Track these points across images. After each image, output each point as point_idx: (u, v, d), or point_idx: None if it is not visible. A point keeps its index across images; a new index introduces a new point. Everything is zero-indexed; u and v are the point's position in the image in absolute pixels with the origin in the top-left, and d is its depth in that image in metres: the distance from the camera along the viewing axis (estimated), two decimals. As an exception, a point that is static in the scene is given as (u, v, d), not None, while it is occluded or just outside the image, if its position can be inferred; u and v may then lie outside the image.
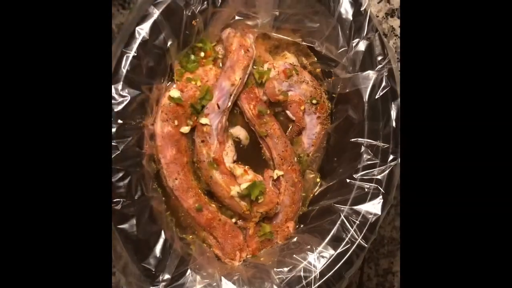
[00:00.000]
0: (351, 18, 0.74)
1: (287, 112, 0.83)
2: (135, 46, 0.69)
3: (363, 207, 0.74)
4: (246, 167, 0.80)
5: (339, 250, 0.73)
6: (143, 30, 0.69)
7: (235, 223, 0.82)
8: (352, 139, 0.77)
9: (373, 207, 0.74)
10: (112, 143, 0.67)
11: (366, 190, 0.75)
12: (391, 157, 0.75)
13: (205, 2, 0.72)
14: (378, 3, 0.96)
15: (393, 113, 0.74)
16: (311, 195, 0.85)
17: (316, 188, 0.85)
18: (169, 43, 0.71)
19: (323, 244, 0.74)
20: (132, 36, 0.69)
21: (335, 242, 0.74)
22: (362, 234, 0.73)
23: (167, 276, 0.69)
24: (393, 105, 0.74)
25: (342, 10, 0.75)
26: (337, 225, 0.75)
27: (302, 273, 0.72)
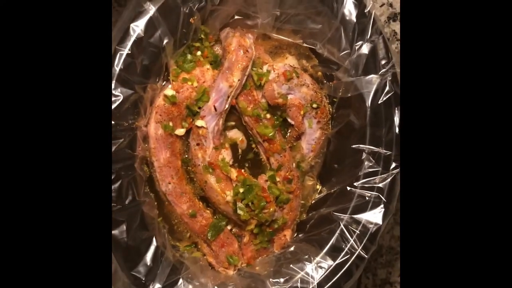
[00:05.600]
0: (355, 20, 0.73)
1: (286, 116, 0.81)
2: (129, 43, 0.67)
3: (363, 216, 0.73)
4: (243, 171, 0.78)
5: (338, 261, 0.71)
6: (138, 27, 0.67)
7: (230, 230, 0.80)
8: (353, 145, 0.76)
9: (374, 216, 0.72)
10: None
11: (367, 198, 0.73)
12: (393, 164, 0.73)
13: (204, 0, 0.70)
14: (381, 6, 0.95)
15: (397, 119, 0.73)
16: (310, 202, 0.83)
17: (316, 195, 0.83)
18: (165, 41, 0.69)
19: (322, 254, 0.73)
20: (126, 33, 0.67)
21: (334, 252, 0.72)
22: (362, 245, 0.72)
23: (157, 286, 0.67)
24: (396, 111, 0.73)
25: (346, 12, 0.73)
26: (336, 234, 0.73)
27: (299, 284, 0.70)
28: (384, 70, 0.73)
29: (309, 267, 0.71)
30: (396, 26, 0.95)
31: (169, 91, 0.74)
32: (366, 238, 0.72)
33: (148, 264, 0.67)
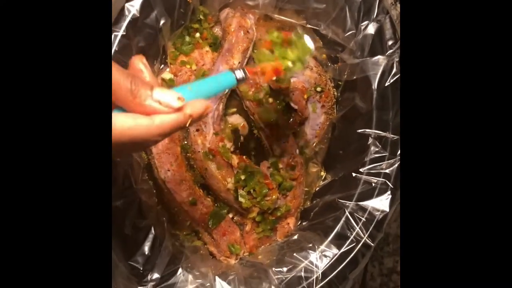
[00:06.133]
0: (360, -1, 0.71)
1: (289, 100, 0.78)
2: (124, 24, 0.64)
3: (369, 203, 0.71)
4: (244, 157, 0.76)
5: (343, 249, 0.70)
6: (133, 7, 0.64)
7: (232, 218, 0.78)
8: (359, 130, 0.74)
9: (381, 203, 0.70)
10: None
11: (373, 185, 0.71)
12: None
13: (202, -22, 0.69)
14: (387, -14, 0.91)
15: (404, 102, 0.70)
16: (314, 189, 0.82)
17: (320, 182, 0.82)
18: (161, 22, 0.67)
19: (326, 242, 0.71)
20: (121, 13, 0.64)
21: (339, 240, 0.70)
22: (368, 232, 0.70)
23: (156, 275, 0.65)
24: (404, 94, 0.70)
25: (351, -10, 0.70)
26: (341, 222, 0.71)
27: (302, 273, 0.69)
28: (391, 51, 0.70)
29: (313, 256, 0.70)
30: (403, 7, 0.93)
31: (167, 75, 0.72)
32: (372, 225, 0.70)
33: (146, 253, 0.65)
